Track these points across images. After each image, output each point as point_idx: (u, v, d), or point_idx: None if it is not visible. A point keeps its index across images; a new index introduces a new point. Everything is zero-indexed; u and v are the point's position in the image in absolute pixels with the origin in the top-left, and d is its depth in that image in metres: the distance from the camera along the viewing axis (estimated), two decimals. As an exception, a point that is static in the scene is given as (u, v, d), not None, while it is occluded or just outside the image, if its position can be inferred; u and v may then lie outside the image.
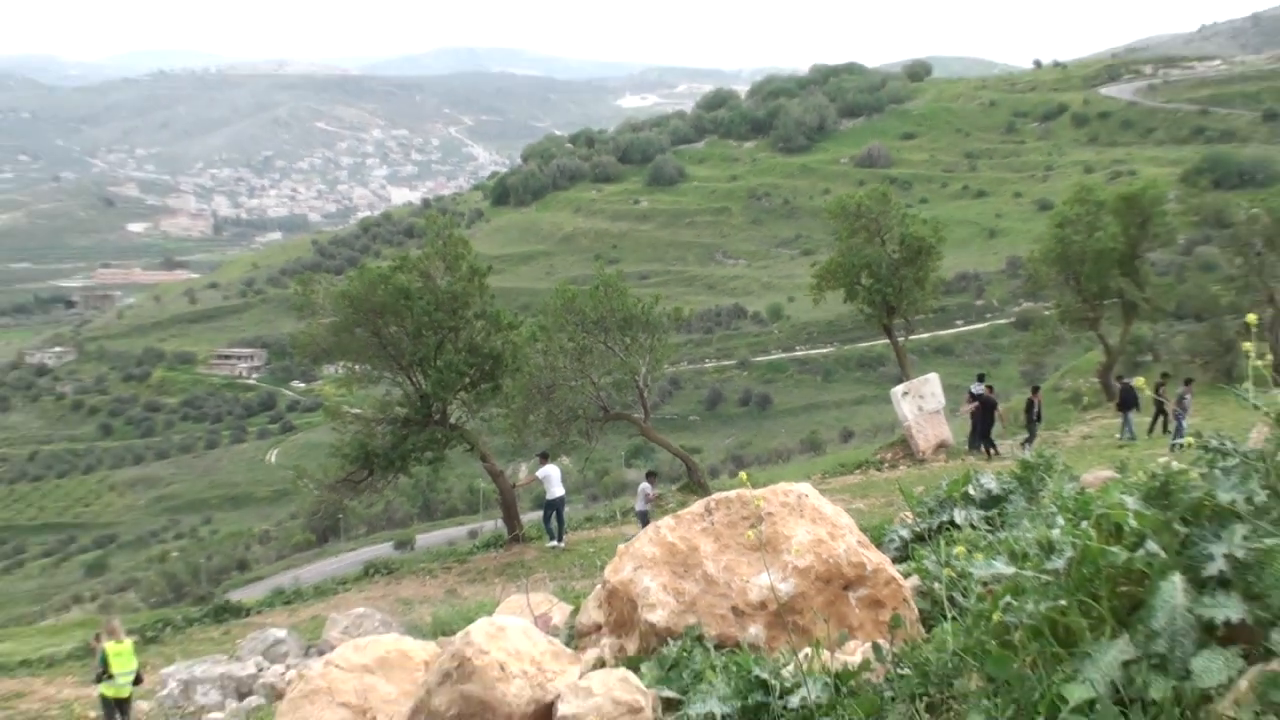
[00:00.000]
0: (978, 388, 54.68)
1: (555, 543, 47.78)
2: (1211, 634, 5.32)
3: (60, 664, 40.16)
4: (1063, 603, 5.77)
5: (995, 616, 6.11)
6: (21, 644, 50.44)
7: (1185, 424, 47.72)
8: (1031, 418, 52.19)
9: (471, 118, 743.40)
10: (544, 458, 49.25)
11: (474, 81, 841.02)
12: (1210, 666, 5.18)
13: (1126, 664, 5.35)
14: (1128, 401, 52.09)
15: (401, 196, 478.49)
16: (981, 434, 51.75)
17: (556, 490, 47.61)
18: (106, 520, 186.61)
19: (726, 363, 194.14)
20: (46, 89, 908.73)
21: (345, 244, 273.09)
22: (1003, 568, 6.40)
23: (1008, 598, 6.10)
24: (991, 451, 51.17)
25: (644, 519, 44.93)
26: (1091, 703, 5.24)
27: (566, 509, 51.88)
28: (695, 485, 56.21)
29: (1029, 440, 51.23)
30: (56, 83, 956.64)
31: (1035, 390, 54.96)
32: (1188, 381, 54.40)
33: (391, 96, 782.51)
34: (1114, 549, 5.77)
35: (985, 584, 6.68)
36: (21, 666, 40.68)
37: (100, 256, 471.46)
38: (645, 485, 46.91)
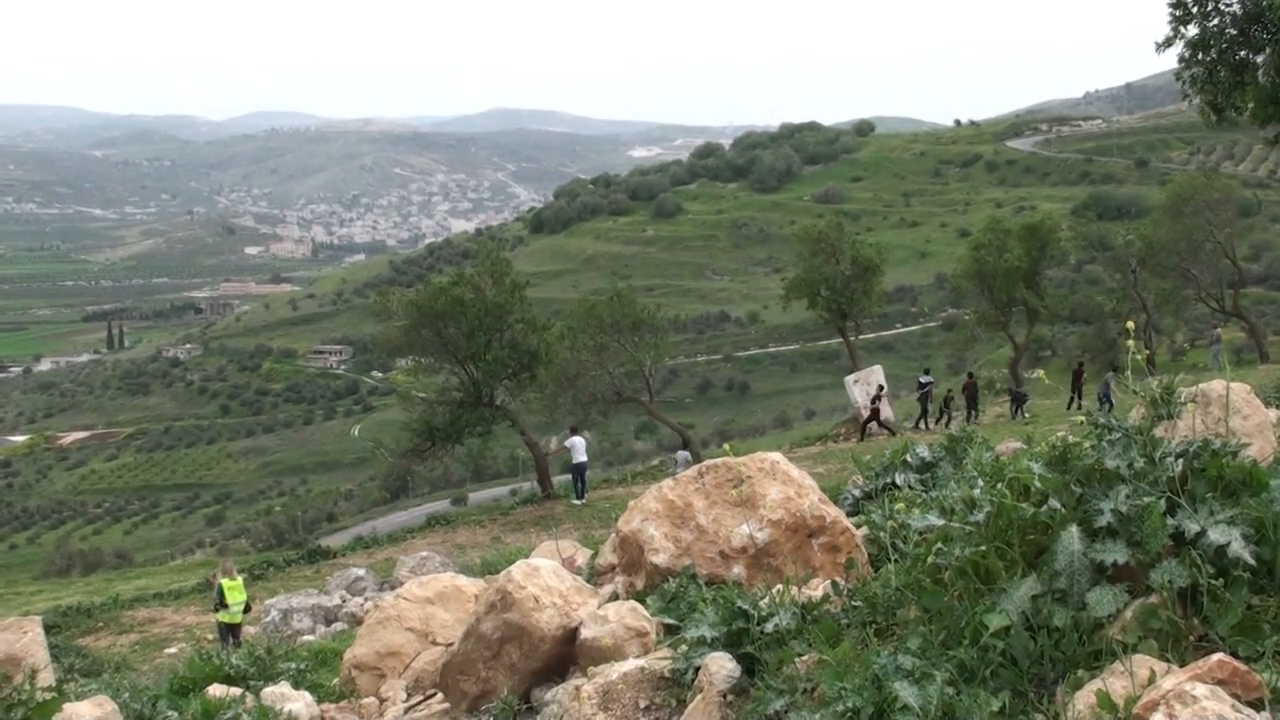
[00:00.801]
0: (925, 378, 54.93)
1: (579, 500, 47.74)
2: (1102, 573, 5.27)
3: (185, 596, 40.04)
4: (983, 548, 5.72)
5: (929, 559, 6.06)
6: (154, 580, 50.35)
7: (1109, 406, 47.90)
8: (970, 396, 52.55)
9: (514, 164, 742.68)
10: (573, 430, 49.30)
11: (516, 136, 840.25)
12: (1102, 600, 5.13)
13: (1035, 598, 5.30)
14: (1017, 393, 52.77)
15: (459, 226, 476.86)
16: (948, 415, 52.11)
17: (580, 457, 47.67)
18: (224, 481, 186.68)
19: (714, 357, 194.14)
20: (184, 142, 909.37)
21: (415, 263, 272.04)
22: (935, 520, 6.35)
23: (939, 544, 6.04)
24: (924, 426, 51.34)
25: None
26: (1007, 629, 5.19)
27: (588, 473, 51.89)
28: (691, 454, 56.20)
29: (974, 414, 51.52)
30: (192, 137, 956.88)
31: (970, 376, 55.23)
32: (1114, 368, 54.62)
33: (452, 148, 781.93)
34: (1023, 505, 5.71)
35: (921, 533, 6.62)
36: (154, 599, 40.58)
37: (223, 273, 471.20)
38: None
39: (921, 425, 52.38)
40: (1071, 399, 50.41)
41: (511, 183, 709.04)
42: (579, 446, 47.63)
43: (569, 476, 53.07)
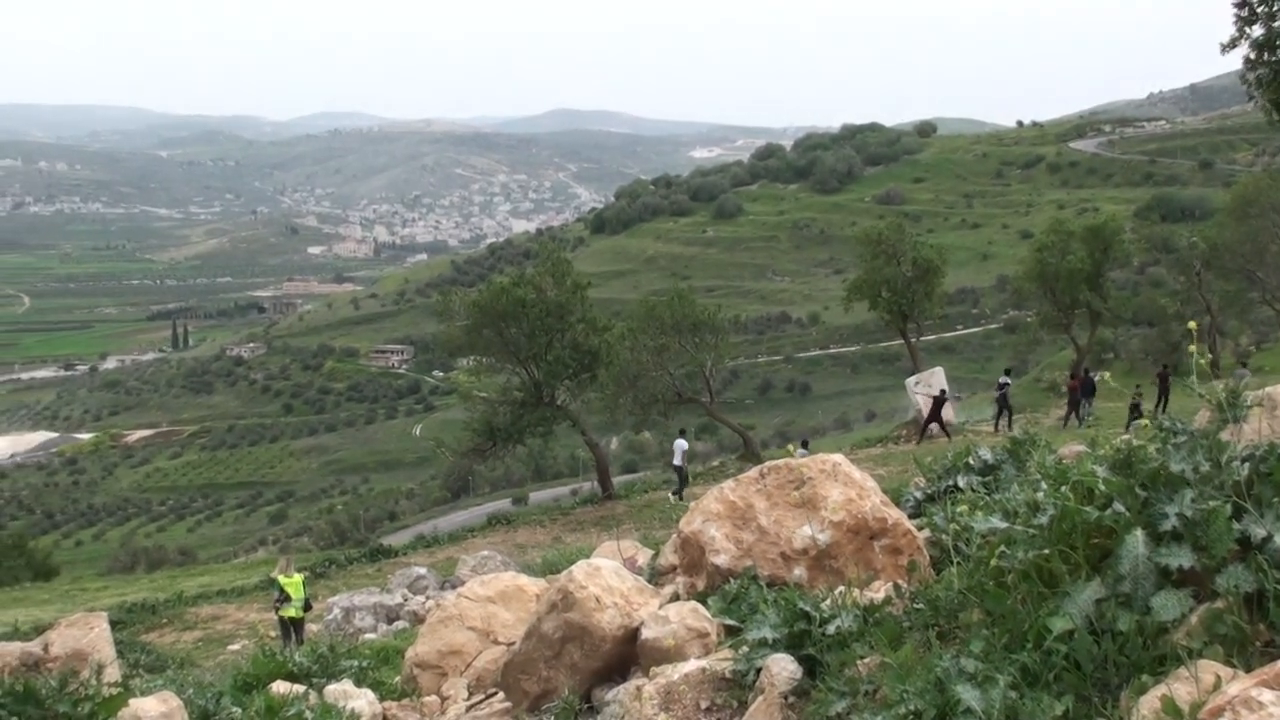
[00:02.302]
0: (1004, 379, 54.64)
1: (675, 497, 47.55)
2: (1167, 578, 5.24)
3: (248, 594, 40.30)
4: (1046, 552, 5.69)
5: (992, 562, 6.03)
6: (218, 577, 50.71)
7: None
8: (1079, 396, 51.68)
9: (575, 165, 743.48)
10: (681, 433, 49.39)
11: (578, 137, 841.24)
12: (1167, 604, 5.10)
13: (1099, 602, 5.27)
14: (1088, 389, 51.54)
15: (520, 227, 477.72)
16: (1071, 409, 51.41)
17: (677, 460, 47.50)
18: (287, 479, 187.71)
19: (775, 358, 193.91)
20: (248, 143, 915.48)
21: (476, 263, 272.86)
22: (998, 523, 6.32)
23: (1002, 547, 6.02)
24: (1001, 426, 50.88)
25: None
26: (1071, 632, 5.16)
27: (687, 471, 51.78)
28: (750, 455, 56.13)
29: (1080, 414, 50.63)
30: (256, 137, 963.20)
31: (1086, 373, 54.38)
32: (1086, 370, 54.51)
33: (513, 149, 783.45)
34: (1088, 509, 5.69)
35: (984, 536, 6.59)
36: (218, 595, 40.87)
37: (286, 273, 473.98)
38: (681, 442, 47.05)
39: (999, 426, 51.96)
40: (1159, 403, 49.78)
41: (573, 183, 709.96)
42: (680, 448, 47.60)
43: (630, 477, 53.21)
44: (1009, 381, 55.42)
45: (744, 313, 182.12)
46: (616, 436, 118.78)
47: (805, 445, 48.74)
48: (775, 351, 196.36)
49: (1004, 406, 53.06)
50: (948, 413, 53.53)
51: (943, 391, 53.29)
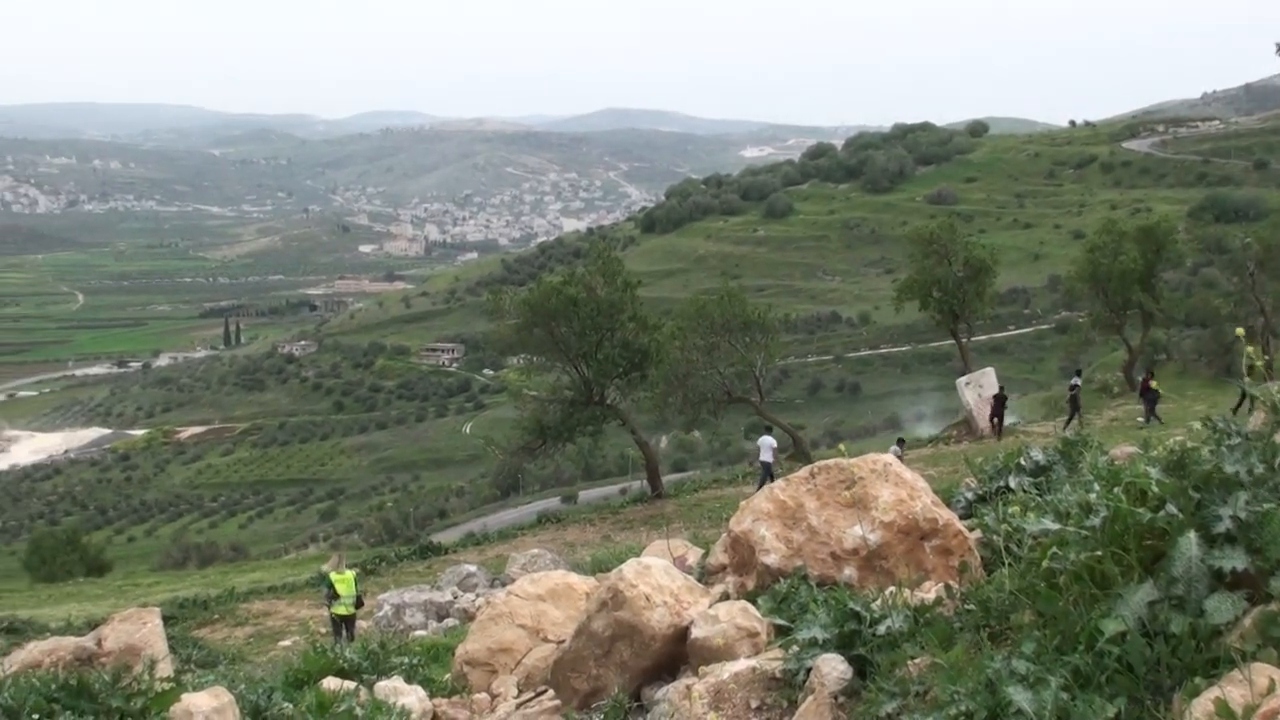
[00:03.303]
0: (1075, 380, 54.44)
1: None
2: (1221, 580, 5.21)
3: (299, 590, 40.46)
4: (1099, 553, 5.67)
5: (1044, 564, 6.01)
6: (269, 574, 50.97)
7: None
8: (1153, 396, 51.15)
9: (626, 164, 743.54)
10: (768, 430, 49.27)
11: (629, 136, 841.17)
12: (1220, 607, 5.08)
13: (1151, 604, 5.25)
14: (1149, 393, 51.12)
15: (571, 226, 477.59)
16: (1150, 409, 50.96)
17: (766, 456, 47.27)
18: (337, 477, 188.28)
19: (825, 357, 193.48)
20: (300, 141, 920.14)
21: (527, 262, 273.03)
22: (1050, 524, 6.30)
23: (1054, 548, 6.00)
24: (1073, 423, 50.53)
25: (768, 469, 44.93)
26: (1123, 634, 5.14)
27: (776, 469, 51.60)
28: (800, 455, 56.04)
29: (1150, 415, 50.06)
30: (308, 136, 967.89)
31: (1148, 373, 53.78)
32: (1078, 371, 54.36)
33: (564, 148, 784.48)
34: (1140, 510, 5.66)
35: (1035, 537, 6.56)
36: (269, 591, 41.05)
37: (338, 271, 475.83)
38: (896, 449, 46.64)
39: (1070, 425, 51.59)
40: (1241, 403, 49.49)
41: (623, 182, 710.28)
42: (766, 445, 47.39)
43: (679, 476, 53.12)
44: (1079, 383, 55.23)
45: (794, 312, 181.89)
46: (666, 435, 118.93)
47: (901, 444, 48.66)
48: (825, 351, 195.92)
49: (1076, 407, 52.80)
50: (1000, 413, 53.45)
51: (1002, 389, 53.32)
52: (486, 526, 68.06)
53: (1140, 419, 50.58)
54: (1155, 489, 5.82)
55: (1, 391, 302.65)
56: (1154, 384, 50.08)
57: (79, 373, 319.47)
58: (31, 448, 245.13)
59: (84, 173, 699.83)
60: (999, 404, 52.71)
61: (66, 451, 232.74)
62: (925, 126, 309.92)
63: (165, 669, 11.59)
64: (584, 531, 46.17)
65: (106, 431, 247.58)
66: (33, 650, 14.27)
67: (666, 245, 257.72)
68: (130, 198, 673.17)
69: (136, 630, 14.17)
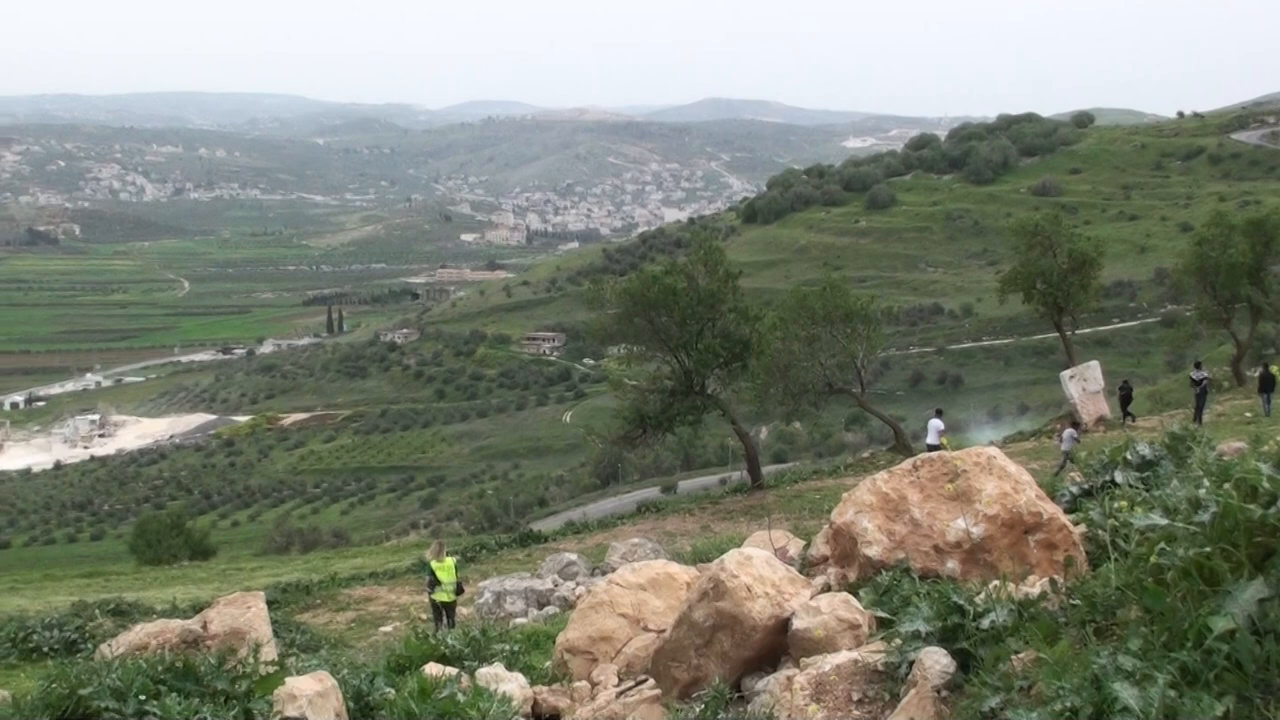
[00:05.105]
0: (1199, 373, 53.82)
1: None
2: (1333, 579, 5.15)
3: (400, 576, 40.68)
4: (1208, 550, 5.61)
5: (1151, 559, 5.96)
6: (370, 560, 51.32)
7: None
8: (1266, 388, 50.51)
9: (728, 154, 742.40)
10: (938, 413, 49.00)
11: (731, 126, 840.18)
12: (1332, 605, 5.02)
13: (1262, 601, 5.19)
14: (1267, 384, 50.43)
15: (672, 216, 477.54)
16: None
17: (932, 439, 46.94)
18: (438, 464, 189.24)
19: (927, 349, 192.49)
20: (403, 131, 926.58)
21: (628, 252, 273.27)
22: (1158, 519, 6.25)
23: (1162, 544, 5.94)
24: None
25: (1068, 457, 44.44)
26: (1232, 632, 5.09)
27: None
28: (901, 447, 55.89)
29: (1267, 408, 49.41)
30: (411, 126, 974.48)
31: (1264, 366, 53.19)
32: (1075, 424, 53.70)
33: (666, 138, 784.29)
34: (1251, 506, 5.60)
35: (1143, 532, 6.51)
36: (370, 578, 41.30)
37: (439, 260, 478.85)
38: (1071, 431, 45.88)
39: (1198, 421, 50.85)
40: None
41: (725, 172, 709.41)
42: (934, 428, 47.09)
43: (779, 467, 52.96)
44: (1208, 375, 54.51)
45: (896, 304, 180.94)
46: (766, 426, 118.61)
47: (940, 415, 48.36)
48: (927, 343, 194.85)
49: (1203, 400, 52.16)
50: (1102, 406, 52.95)
51: (1127, 381, 52.95)
52: (586, 515, 68.07)
53: (1248, 413, 49.94)
54: (1266, 485, 5.75)
55: (109, 377, 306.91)
56: (1275, 369, 49.30)
57: (184, 359, 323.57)
58: (138, 433, 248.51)
59: (190, 161, 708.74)
60: (1126, 396, 52.26)
61: (172, 437, 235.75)
62: (1030, 117, 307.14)
63: (269, 653, 11.68)
64: (684, 521, 46.14)
65: (211, 417, 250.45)
66: (139, 632, 14.43)
67: (768, 236, 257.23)
68: (235, 186, 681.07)
69: (241, 614, 14.32)
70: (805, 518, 36.18)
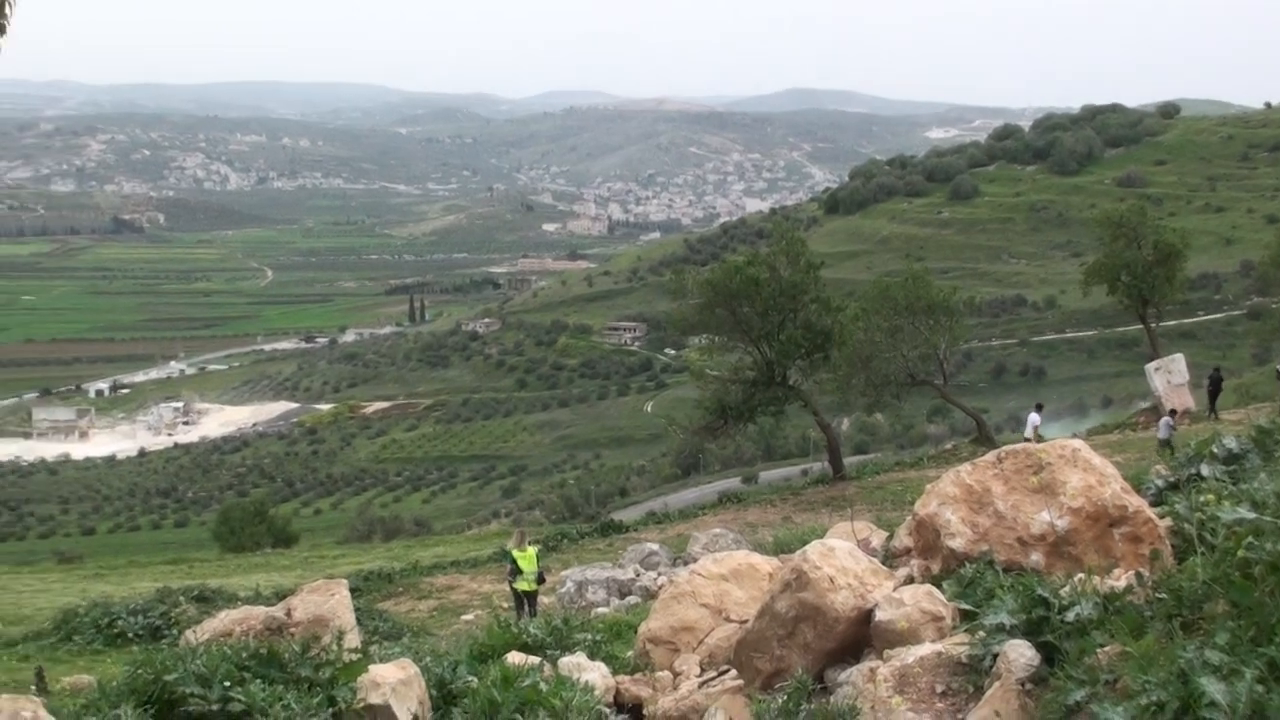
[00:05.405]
0: None
1: None
2: None
3: (481, 565, 40.80)
4: (1296, 544, 5.58)
5: (1239, 553, 5.93)
6: (452, 548, 51.50)
7: None
8: None
9: (810, 145, 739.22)
10: (1038, 408, 48.74)
11: (813, 116, 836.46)
12: None
13: (1351, 597, 5.16)
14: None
15: (754, 206, 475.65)
16: None
17: (1029, 433, 46.56)
18: (519, 454, 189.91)
19: (1009, 341, 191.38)
20: (485, 120, 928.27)
21: (709, 242, 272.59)
22: (1245, 513, 6.22)
23: (1249, 538, 5.91)
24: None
25: (1168, 444, 44.02)
26: (1321, 628, 5.06)
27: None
28: (983, 439, 55.55)
29: None
30: (493, 115, 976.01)
31: None
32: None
33: (747, 128, 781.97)
34: (1341, 501, 5.57)
35: (1230, 526, 6.47)
36: (452, 566, 41.43)
37: (521, 249, 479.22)
38: (1167, 419, 45.52)
39: None
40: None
41: (807, 163, 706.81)
42: (1032, 421, 46.79)
43: (860, 458, 52.76)
44: None
45: (979, 295, 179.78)
46: (848, 417, 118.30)
47: (1040, 409, 48.05)
48: (1010, 335, 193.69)
49: None
50: (1186, 399, 52.50)
51: (1217, 369, 52.50)
52: (667, 505, 68.06)
53: None
54: (1356, 479, 5.72)
55: (192, 365, 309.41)
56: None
57: (267, 347, 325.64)
58: (221, 420, 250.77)
59: (273, 150, 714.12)
60: (1215, 386, 51.80)
61: (255, 425, 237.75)
62: (1115, 108, 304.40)
63: (353, 640, 11.78)
64: (765, 512, 46.07)
65: (293, 405, 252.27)
66: (224, 619, 14.58)
67: (850, 226, 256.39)
68: (318, 175, 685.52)
69: (325, 601, 14.41)
70: (887, 509, 36.06)
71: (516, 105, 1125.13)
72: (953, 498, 9.55)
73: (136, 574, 48.07)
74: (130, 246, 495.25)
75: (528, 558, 27.69)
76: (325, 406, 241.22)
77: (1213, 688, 5.00)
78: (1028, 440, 43.77)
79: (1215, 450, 11.53)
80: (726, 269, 52.87)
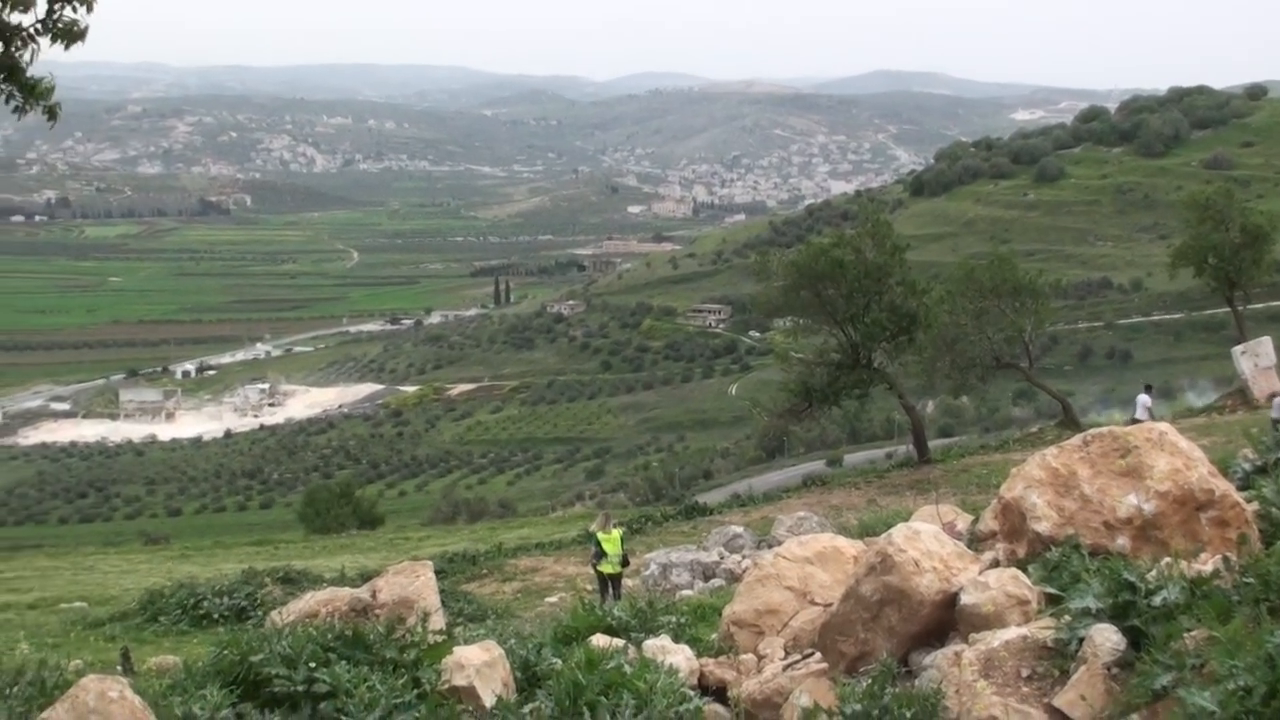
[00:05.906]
0: None
1: None
2: None
3: (565, 547, 40.86)
4: (1387, 529, 5.56)
5: (1328, 538, 5.91)
6: (536, 530, 51.65)
7: None
8: None
9: (895, 127, 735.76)
10: (1147, 389, 48.42)
11: (898, 98, 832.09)
12: None
13: None
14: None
15: (839, 188, 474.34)
16: None
17: (1141, 414, 46.21)
18: (604, 436, 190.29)
19: (1095, 324, 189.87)
20: (570, 102, 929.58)
21: (794, 224, 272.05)
22: (1334, 498, 6.19)
23: (1339, 523, 5.89)
24: None
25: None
26: None
27: None
28: (1069, 422, 55.20)
29: None
30: (578, 97, 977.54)
31: None
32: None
33: (833, 110, 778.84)
34: None
35: (1319, 511, 6.45)
36: (536, 548, 41.53)
37: (606, 231, 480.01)
38: (1144, 397, 45.04)
39: None
40: None
41: (892, 145, 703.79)
42: (1142, 403, 46.44)
43: (945, 441, 52.50)
44: None
45: (1064, 278, 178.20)
46: (933, 400, 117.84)
47: (1149, 389, 47.64)
48: (1095, 317, 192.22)
49: None
50: (1274, 382, 51.95)
51: None
52: (751, 488, 67.94)
53: None
54: None
55: (278, 346, 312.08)
56: None
57: (353, 329, 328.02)
58: (307, 402, 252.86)
59: (359, 133, 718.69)
60: None
61: (340, 406, 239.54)
62: (1201, 89, 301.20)
63: (437, 622, 11.85)
64: (849, 495, 45.95)
65: (379, 387, 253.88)
66: (310, 600, 14.69)
67: (935, 209, 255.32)
68: (404, 157, 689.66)
69: (410, 583, 14.50)
70: (972, 493, 35.88)
71: (601, 87, 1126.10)
72: (1038, 481, 9.53)
73: (222, 555, 48.53)
74: (217, 228, 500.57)
75: (612, 540, 27.73)
76: (410, 388, 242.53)
77: (1301, 673, 4.99)
78: (1138, 421, 43.48)
79: (1305, 434, 11.46)
80: (811, 251, 52.71)
